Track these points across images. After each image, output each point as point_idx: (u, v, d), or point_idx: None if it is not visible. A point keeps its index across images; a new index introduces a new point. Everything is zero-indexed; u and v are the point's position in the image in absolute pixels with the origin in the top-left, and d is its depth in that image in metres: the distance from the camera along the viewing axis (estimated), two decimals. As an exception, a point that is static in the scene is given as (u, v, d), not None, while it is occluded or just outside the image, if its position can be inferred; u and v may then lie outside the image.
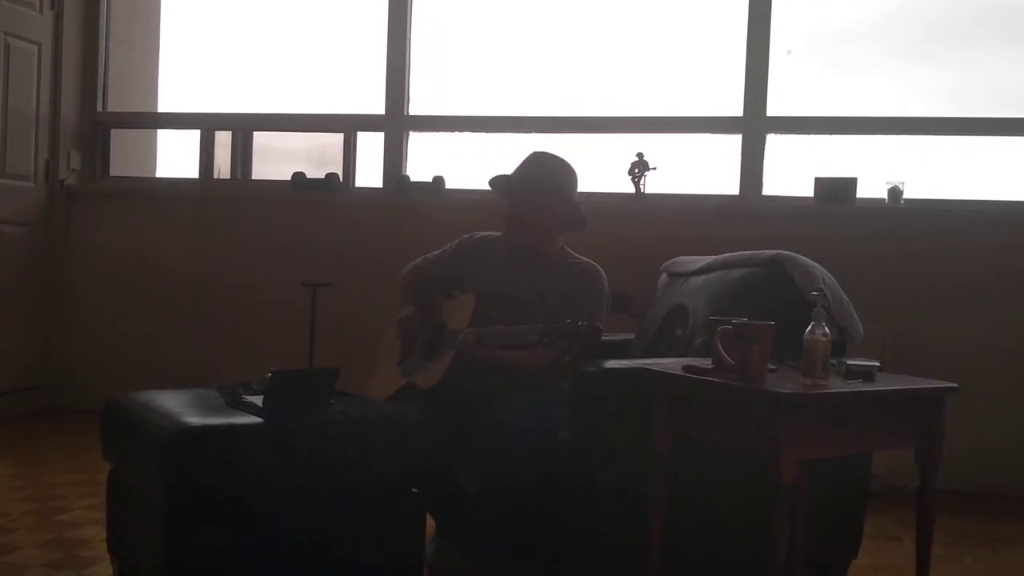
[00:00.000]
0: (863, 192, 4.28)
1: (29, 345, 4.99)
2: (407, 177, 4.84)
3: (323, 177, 4.91)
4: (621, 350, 3.06)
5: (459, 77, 4.99)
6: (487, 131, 4.87)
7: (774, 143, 4.46)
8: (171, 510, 2.25)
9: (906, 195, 4.26)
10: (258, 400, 2.46)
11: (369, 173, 4.98)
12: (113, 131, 5.36)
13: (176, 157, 5.58)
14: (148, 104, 5.64)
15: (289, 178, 4.95)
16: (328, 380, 2.50)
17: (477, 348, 2.80)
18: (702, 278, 2.96)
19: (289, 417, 2.36)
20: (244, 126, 5.39)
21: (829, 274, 2.65)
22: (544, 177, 3.02)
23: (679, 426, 2.29)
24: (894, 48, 4.54)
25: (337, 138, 5.06)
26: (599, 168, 4.52)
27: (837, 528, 2.61)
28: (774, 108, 4.43)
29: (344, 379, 2.53)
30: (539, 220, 2.99)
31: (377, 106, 4.91)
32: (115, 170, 5.35)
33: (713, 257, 3.01)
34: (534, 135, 4.69)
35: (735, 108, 4.47)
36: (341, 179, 4.94)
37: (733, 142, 4.49)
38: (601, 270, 3.03)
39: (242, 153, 5.47)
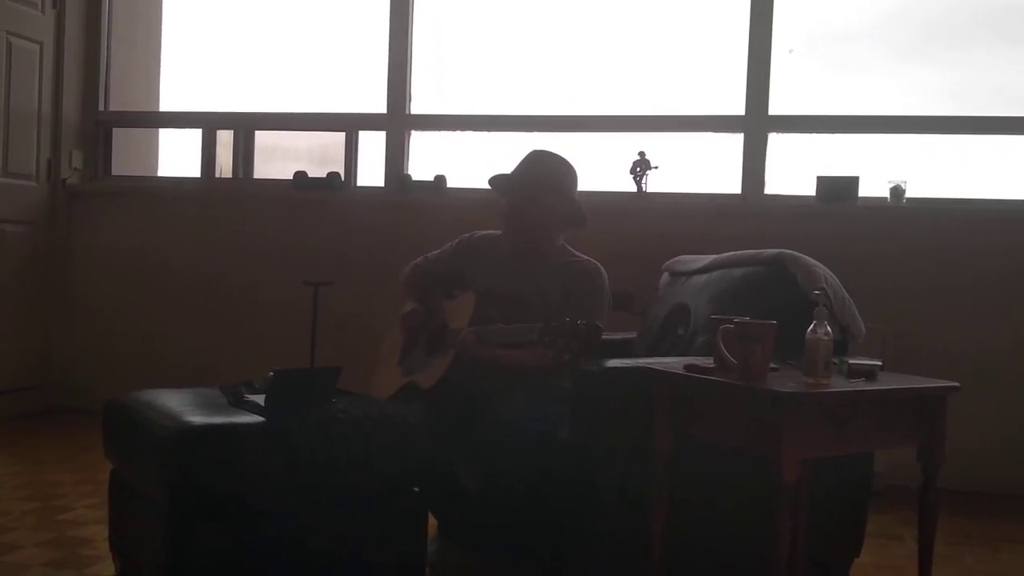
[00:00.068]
0: (865, 191, 4.28)
1: (30, 344, 4.99)
2: (409, 176, 4.84)
3: (325, 176, 4.91)
4: (623, 349, 3.06)
5: (461, 76, 4.98)
6: (489, 130, 4.87)
7: (776, 142, 4.46)
8: (173, 509, 2.25)
9: (908, 194, 4.25)
10: (260, 399, 2.46)
11: (371, 172, 4.98)
12: (115, 130, 5.37)
13: (178, 156, 5.59)
14: (150, 103, 5.64)
15: (291, 177, 4.95)
16: (330, 379, 2.50)
17: (477, 347, 2.80)
18: (704, 277, 2.96)
19: (291, 416, 2.36)
20: (246, 125, 5.39)
21: (831, 273, 2.65)
22: (543, 175, 3.02)
23: (681, 425, 2.29)
24: (894, 48, 4.53)
25: (339, 137, 5.06)
26: (601, 167, 4.52)
27: (839, 527, 2.61)
28: (776, 107, 4.43)
29: (346, 378, 2.53)
30: (539, 218, 2.99)
31: (379, 105, 4.91)
32: (117, 169, 5.36)
33: (715, 256, 3.01)
34: (536, 134, 4.68)
35: (737, 107, 4.47)
36: (343, 178, 4.94)
37: (735, 141, 4.49)
38: (601, 268, 3.02)
39: (244, 152, 5.47)
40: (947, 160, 4.39)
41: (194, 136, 5.21)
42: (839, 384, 2.15)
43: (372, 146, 4.97)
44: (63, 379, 5.12)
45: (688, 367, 2.26)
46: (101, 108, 5.29)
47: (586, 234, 3.10)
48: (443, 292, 3.10)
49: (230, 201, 5.05)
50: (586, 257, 3.05)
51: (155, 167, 5.75)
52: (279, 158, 5.64)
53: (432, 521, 2.72)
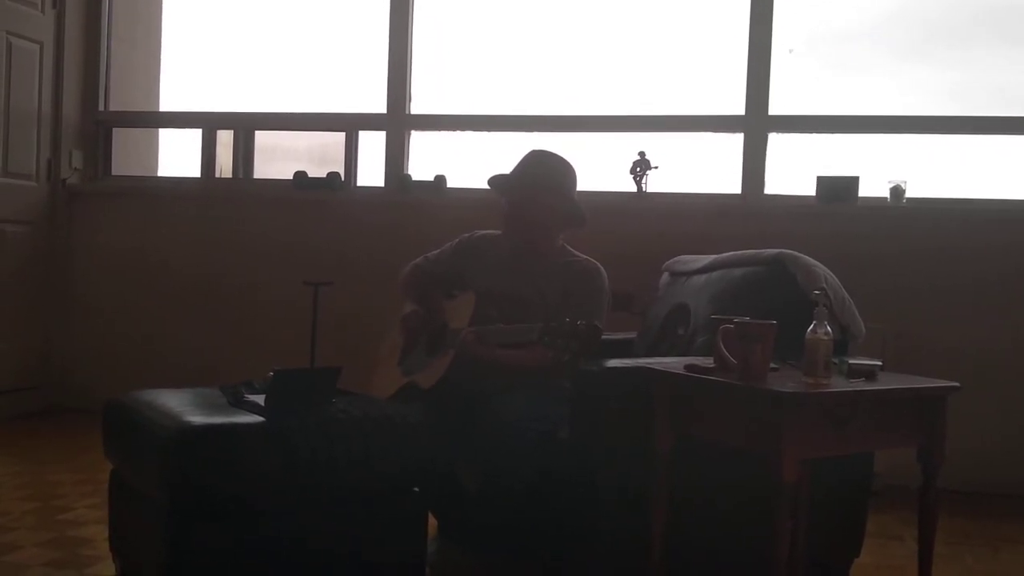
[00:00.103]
0: (865, 191, 4.28)
1: (30, 344, 4.99)
2: (409, 176, 4.84)
3: (325, 176, 4.91)
4: (623, 349, 3.06)
5: (461, 76, 4.98)
6: (489, 130, 4.87)
7: (776, 142, 4.46)
8: (173, 509, 2.25)
9: (908, 194, 4.25)
10: (260, 399, 2.46)
11: (371, 172, 4.98)
12: (115, 130, 5.37)
13: (178, 156, 5.59)
14: (150, 103, 5.63)
15: (291, 177, 4.95)
16: (330, 379, 2.50)
17: (477, 347, 2.80)
18: (704, 277, 2.96)
19: (291, 416, 2.36)
20: (246, 125, 5.39)
21: (831, 273, 2.65)
22: (543, 175, 3.02)
23: (681, 425, 2.29)
24: (894, 48, 4.53)
25: (339, 137, 5.06)
26: (601, 167, 4.52)
27: (839, 527, 2.61)
28: (776, 107, 4.43)
29: (346, 378, 2.53)
30: (538, 218, 2.99)
31: (379, 105, 4.91)
32: (117, 169, 5.36)
33: (715, 256, 3.01)
34: (536, 134, 4.68)
35: (737, 107, 4.47)
36: (343, 178, 4.94)
37: (735, 141, 4.49)
38: (601, 268, 3.02)
39: (244, 152, 5.46)
40: (947, 160, 4.39)
41: (194, 136, 5.21)
42: (839, 384, 2.15)
43: (372, 146, 4.97)
44: (63, 379, 5.12)
45: (688, 367, 2.26)
46: (101, 108, 5.29)
47: (586, 234, 3.10)
48: (443, 292, 3.10)
49: (230, 201, 5.05)
50: (586, 257, 3.05)
51: (155, 167, 5.75)
52: (279, 158, 5.63)
53: (432, 521, 2.72)
